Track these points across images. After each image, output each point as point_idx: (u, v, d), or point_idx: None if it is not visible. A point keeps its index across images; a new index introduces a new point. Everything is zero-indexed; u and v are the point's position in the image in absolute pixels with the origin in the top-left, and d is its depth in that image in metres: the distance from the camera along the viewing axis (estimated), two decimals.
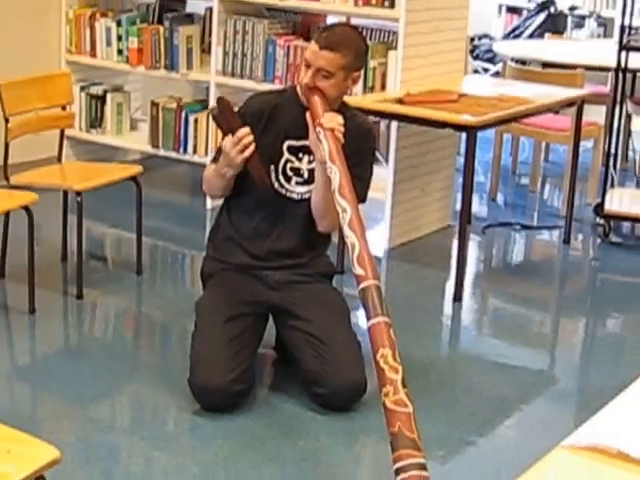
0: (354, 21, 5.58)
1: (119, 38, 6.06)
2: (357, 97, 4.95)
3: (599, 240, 5.56)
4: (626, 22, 5.24)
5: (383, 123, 5.39)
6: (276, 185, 3.69)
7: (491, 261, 5.46)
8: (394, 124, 5.13)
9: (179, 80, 6.04)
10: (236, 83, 5.63)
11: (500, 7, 9.01)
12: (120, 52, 6.08)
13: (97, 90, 6.23)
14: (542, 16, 8.50)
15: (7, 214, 4.40)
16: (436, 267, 5.14)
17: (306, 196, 3.69)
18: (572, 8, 8.46)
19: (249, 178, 3.61)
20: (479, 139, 4.69)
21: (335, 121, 3.49)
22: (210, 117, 5.13)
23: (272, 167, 3.67)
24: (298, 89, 3.65)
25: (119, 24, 6.05)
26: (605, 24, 8.35)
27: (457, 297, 4.65)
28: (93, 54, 6.16)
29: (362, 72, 3.80)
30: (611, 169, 5.56)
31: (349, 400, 3.56)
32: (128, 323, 4.47)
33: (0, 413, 2.71)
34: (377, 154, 4.13)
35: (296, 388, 3.66)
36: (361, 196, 3.59)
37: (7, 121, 4.48)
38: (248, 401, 3.57)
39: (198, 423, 3.46)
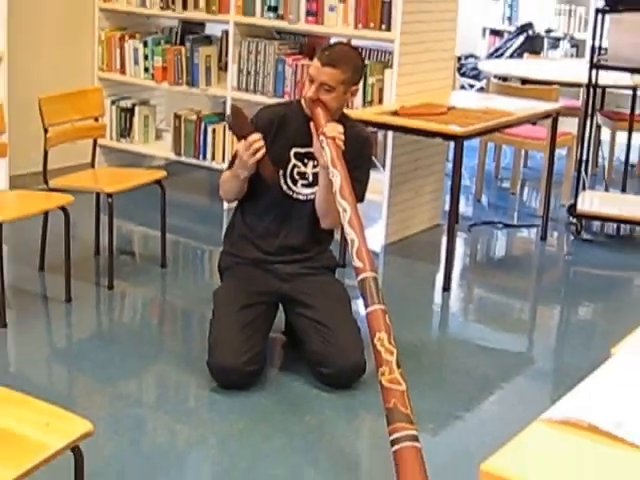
0: (354, 42, 5.55)
1: (146, 57, 6.06)
2: (358, 110, 4.94)
3: (572, 237, 5.54)
4: (596, 43, 5.22)
5: (380, 133, 5.37)
6: (284, 188, 3.68)
7: (476, 255, 5.45)
8: (390, 134, 5.11)
9: (199, 95, 6.02)
10: (250, 97, 5.61)
11: (484, 30, 8.98)
12: (146, 70, 6.08)
13: (126, 104, 6.22)
14: (521, 38, 8.47)
15: (46, 214, 4.41)
16: (427, 261, 5.13)
17: (311, 197, 3.68)
18: (548, 31, 8.43)
19: (260, 183, 3.60)
20: (465, 147, 4.67)
21: (336, 130, 3.48)
22: (226, 125, 5.13)
23: (281, 172, 3.66)
24: (303, 102, 3.64)
25: (145, 45, 6.05)
26: (577, 45, 8.32)
27: (446, 287, 4.64)
28: (122, 71, 6.16)
29: (360, 86, 3.79)
30: (583, 174, 5.54)
31: (350, 379, 3.55)
32: (154, 311, 4.47)
33: (40, 391, 2.70)
34: (374, 160, 4.13)
35: (303, 368, 3.65)
36: (360, 196, 3.60)
37: (46, 131, 4.48)
38: (260, 380, 3.57)
39: (216, 399, 3.45)
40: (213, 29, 6.15)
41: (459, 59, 7.93)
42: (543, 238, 5.48)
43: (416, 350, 3.93)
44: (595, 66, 5.29)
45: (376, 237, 5.18)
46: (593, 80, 5.33)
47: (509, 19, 8.84)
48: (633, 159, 6.73)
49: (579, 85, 6.21)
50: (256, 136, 3.47)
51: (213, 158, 5.91)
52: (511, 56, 8.35)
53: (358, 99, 5.14)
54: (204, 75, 5.88)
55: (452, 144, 4.73)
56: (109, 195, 4.40)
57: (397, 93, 5.08)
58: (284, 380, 3.63)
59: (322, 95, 3.53)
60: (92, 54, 6.19)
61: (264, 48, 5.58)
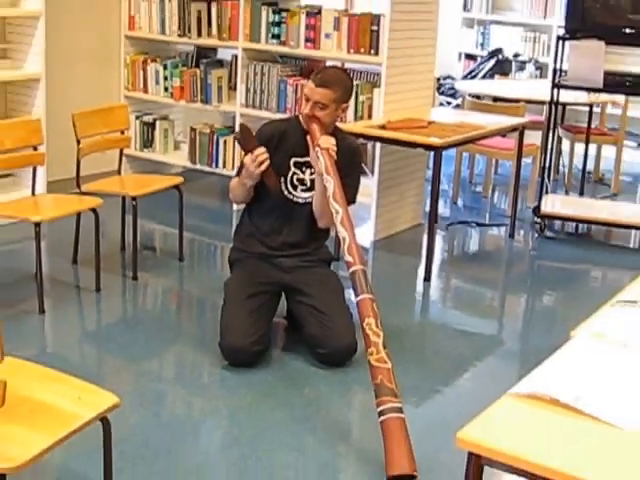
0: (347, 65, 5.56)
1: (165, 78, 6.05)
2: (350, 124, 4.93)
3: (536, 235, 5.54)
4: (557, 66, 5.22)
5: (369, 144, 5.37)
6: (285, 192, 3.68)
7: (453, 251, 5.44)
8: (378, 145, 5.11)
9: (212, 111, 6.01)
10: (256, 113, 5.61)
11: (460, 54, 8.97)
12: (166, 89, 6.07)
13: (148, 118, 6.21)
14: (492, 62, 8.46)
15: (79, 214, 4.40)
16: (410, 255, 5.13)
17: (309, 200, 3.67)
18: (516, 55, 8.42)
19: (265, 188, 3.60)
20: (444, 156, 4.66)
21: (329, 142, 3.48)
22: (234, 140, 5.13)
23: (282, 179, 3.66)
24: (300, 118, 3.64)
25: (165, 67, 6.03)
26: (541, 68, 8.31)
27: (427, 278, 4.63)
28: (145, 90, 6.15)
29: (350, 103, 3.79)
30: (546, 180, 5.54)
31: (344, 358, 3.55)
32: (172, 299, 4.46)
33: (73, 369, 2.70)
34: (364, 167, 4.11)
35: (302, 349, 3.65)
36: (351, 199, 3.61)
37: (79, 142, 4.47)
38: (265, 359, 3.57)
39: (226, 376, 3.45)
40: (224, 54, 6.14)
41: (438, 80, 7.91)
42: (511, 236, 5.47)
43: (400, 333, 3.93)
44: (556, 86, 5.28)
45: (366, 235, 5.18)
46: (555, 98, 5.33)
47: (482, 45, 8.84)
48: (590, 167, 6.72)
49: (543, 102, 6.20)
50: (261, 150, 3.47)
51: (224, 166, 5.91)
52: (483, 77, 8.34)
53: (350, 114, 5.14)
54: (216, 94, 5.88)
55: (432, 154, 4.71)
56: (133, 198, 4.39)
57: (384, 109, 5.08)
58: (286, 359, 3.63)
59: (317, 112, 3.53)
60: (119, 75, 6.18)
61: (268, 70, 5.57)
